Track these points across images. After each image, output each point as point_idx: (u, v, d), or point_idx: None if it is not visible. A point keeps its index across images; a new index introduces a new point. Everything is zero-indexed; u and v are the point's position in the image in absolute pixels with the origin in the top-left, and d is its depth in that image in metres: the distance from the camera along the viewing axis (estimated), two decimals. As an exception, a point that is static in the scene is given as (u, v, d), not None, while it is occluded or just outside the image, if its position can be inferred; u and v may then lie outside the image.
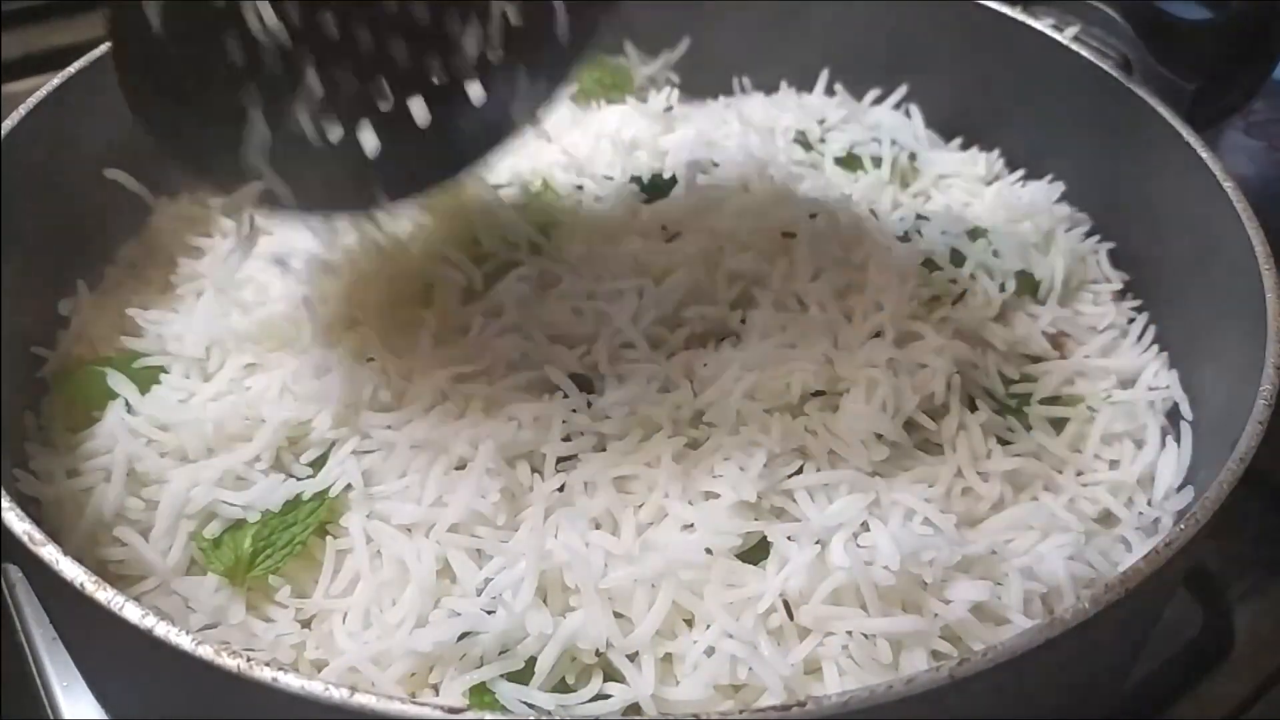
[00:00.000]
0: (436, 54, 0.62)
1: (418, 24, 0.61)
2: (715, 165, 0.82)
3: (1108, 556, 0.63)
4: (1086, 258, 0.83)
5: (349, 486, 0.62)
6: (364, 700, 0.44)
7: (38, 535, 0.51)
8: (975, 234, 0.82)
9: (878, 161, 0.88)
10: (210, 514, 0.62)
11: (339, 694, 0.44)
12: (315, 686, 0.44)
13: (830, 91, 0.97)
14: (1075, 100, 0.85)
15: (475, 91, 0.62)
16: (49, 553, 0.50)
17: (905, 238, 0.81)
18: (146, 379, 0.69)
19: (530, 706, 0.53)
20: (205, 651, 0.46)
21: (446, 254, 0.74)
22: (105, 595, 0.48)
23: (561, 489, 0.62)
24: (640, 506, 0.61)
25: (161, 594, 0.61)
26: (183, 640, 0.46)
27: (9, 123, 0.71)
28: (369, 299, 0.74)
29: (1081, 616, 0.48)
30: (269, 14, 0.59)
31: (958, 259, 0.79)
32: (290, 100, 0.62)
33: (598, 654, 0.55)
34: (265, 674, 0.45)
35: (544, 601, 0.56)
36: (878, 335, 0.70)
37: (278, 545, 0.61)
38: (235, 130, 0.62)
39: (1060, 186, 0.88)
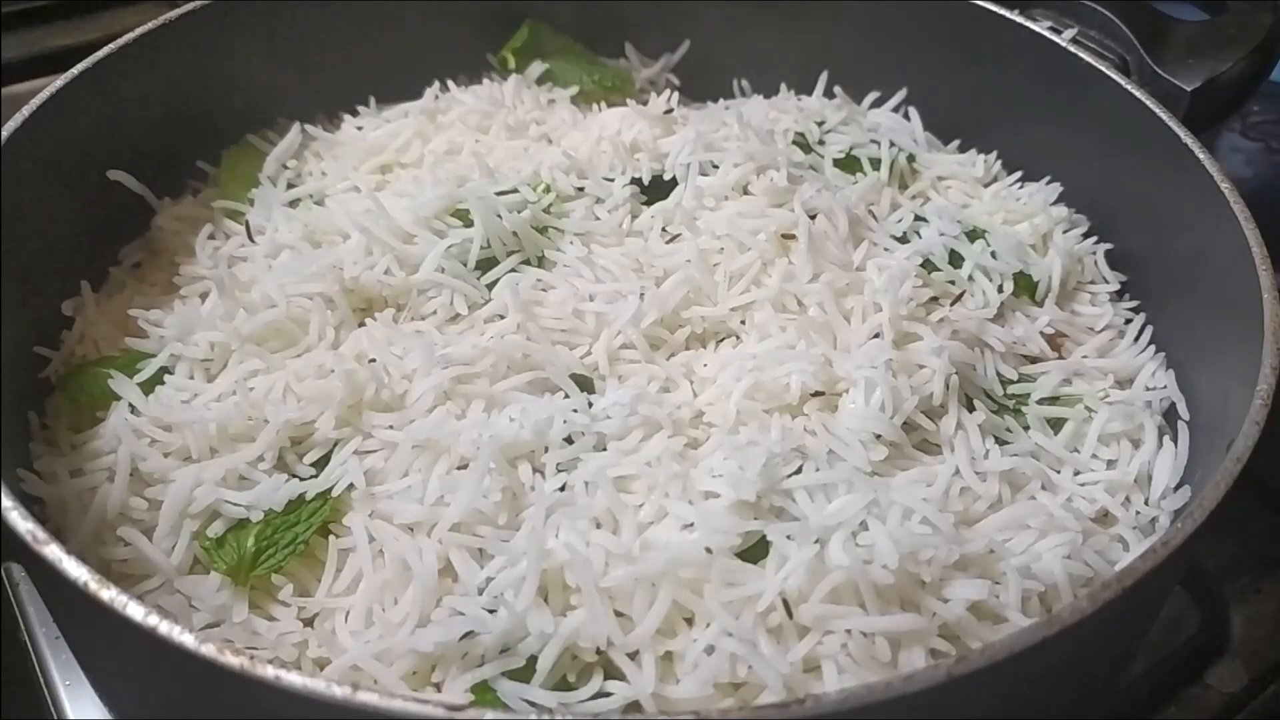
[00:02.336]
0: None
1: None
2: (715, 167, 0.82)
3: (1105, 556, 0.63)
4: (1084, 259, 0.83)
5: (351, 486, 0.63)
6: (366, 698, 0.44)
7: (41, 534, 0.51)
8: (973, 235, 0.82)
9: (876, 163, 0.88)
10: (213, 513, 0.63)
11: (341, 692, 0.44)
12: (318, 685, 0.44)
13: (829, 94, 0.97)
14: (1073, 102, 0.85)
15: None
16: (52, 552, 0.50)
17: (904, 239, 0.81)
18: (150, 379, 0.69)
19: (531, 704, 0.53)
20: (208, 650, 0.46)
21: (448, 255, 0.74)
22: (108, 594, 0.48)
23: (562, 489, 0.62)
24: (640, 506, 0.61)
25: (165, 593, 0.61)
26: (186, 639, 0.46)
27: (11, 124, 0.71)
28: (370, 300, 0.74)
29: (1079, 615, 0.48)
30: None
31: (956, 260, 0.79)
32: None
33: (598, 652, 0.55)
34: (268, 672, 0.45)
35: (545, 600, 0.57)
36: (876, 336, 0.70)
37: (280, 544, 0.61)
38: None
39: (1058, 188, 0.88)
